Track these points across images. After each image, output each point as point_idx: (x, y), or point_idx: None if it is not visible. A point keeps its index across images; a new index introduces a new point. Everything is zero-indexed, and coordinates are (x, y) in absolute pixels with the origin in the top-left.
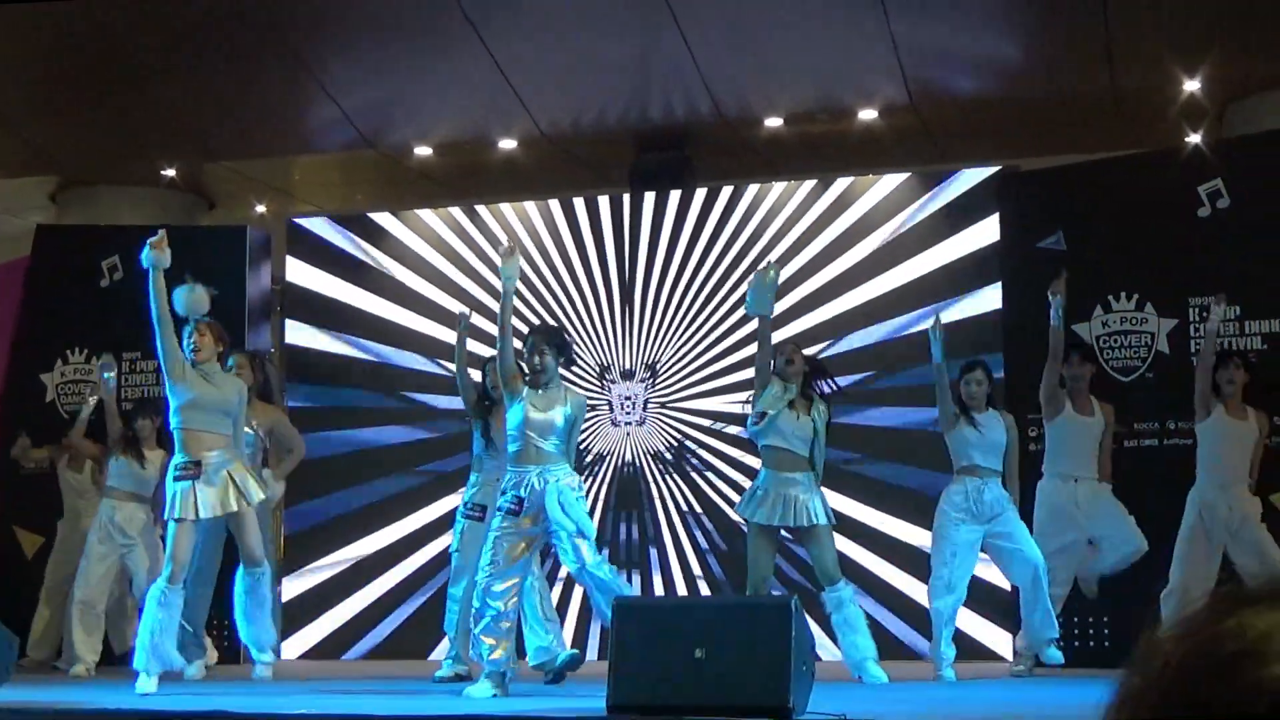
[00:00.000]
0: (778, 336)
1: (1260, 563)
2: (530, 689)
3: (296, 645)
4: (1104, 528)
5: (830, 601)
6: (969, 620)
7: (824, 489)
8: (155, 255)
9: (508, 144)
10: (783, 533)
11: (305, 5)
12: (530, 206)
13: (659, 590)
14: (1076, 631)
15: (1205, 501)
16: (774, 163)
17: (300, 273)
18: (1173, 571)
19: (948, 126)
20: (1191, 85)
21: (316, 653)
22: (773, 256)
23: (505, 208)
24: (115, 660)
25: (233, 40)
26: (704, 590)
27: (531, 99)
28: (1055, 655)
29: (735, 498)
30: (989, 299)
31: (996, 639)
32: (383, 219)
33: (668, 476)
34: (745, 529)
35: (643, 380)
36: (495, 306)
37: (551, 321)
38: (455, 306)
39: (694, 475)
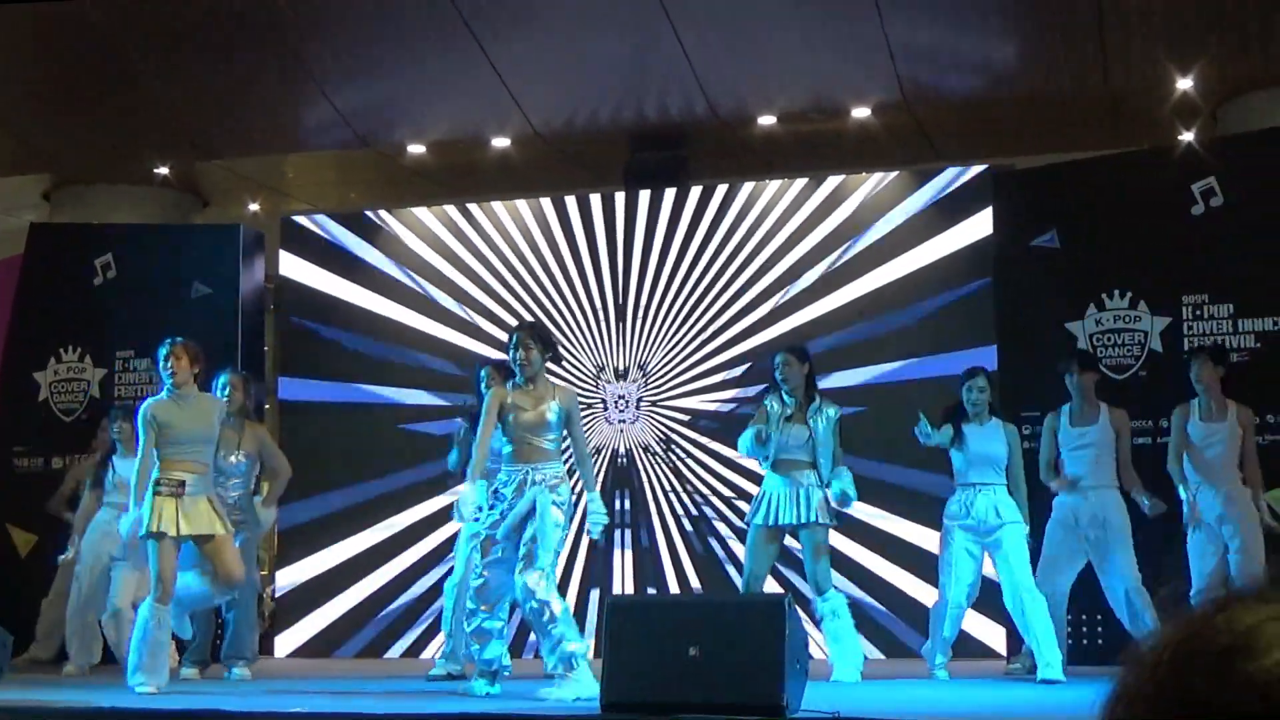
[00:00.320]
0: (774, 333)
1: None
2: (527, 687)
3: (288, 641)
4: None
5: (822, 611)
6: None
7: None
8: None
9: (502, 142)
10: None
11: (300, 4)
12: (523, 205)
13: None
14: (1070, 630)
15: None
16: (768, 161)
17: (295, 268)
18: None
19: (942, 125)
20: (1185, 84)
21: (306, 650)
22: (765, 254)
23: (498, 206)
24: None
25: (227, 39)
26: (684, 556)
27: (526, 98)
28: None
29: (714, 483)
30: (979, 291)
31: (993, 635)
32: (377, 216)
33: (656, 465)
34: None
35: (635, 380)
36: (489, 303)
37: (546, 319)
38: (450, 304)
39: (679, 464)
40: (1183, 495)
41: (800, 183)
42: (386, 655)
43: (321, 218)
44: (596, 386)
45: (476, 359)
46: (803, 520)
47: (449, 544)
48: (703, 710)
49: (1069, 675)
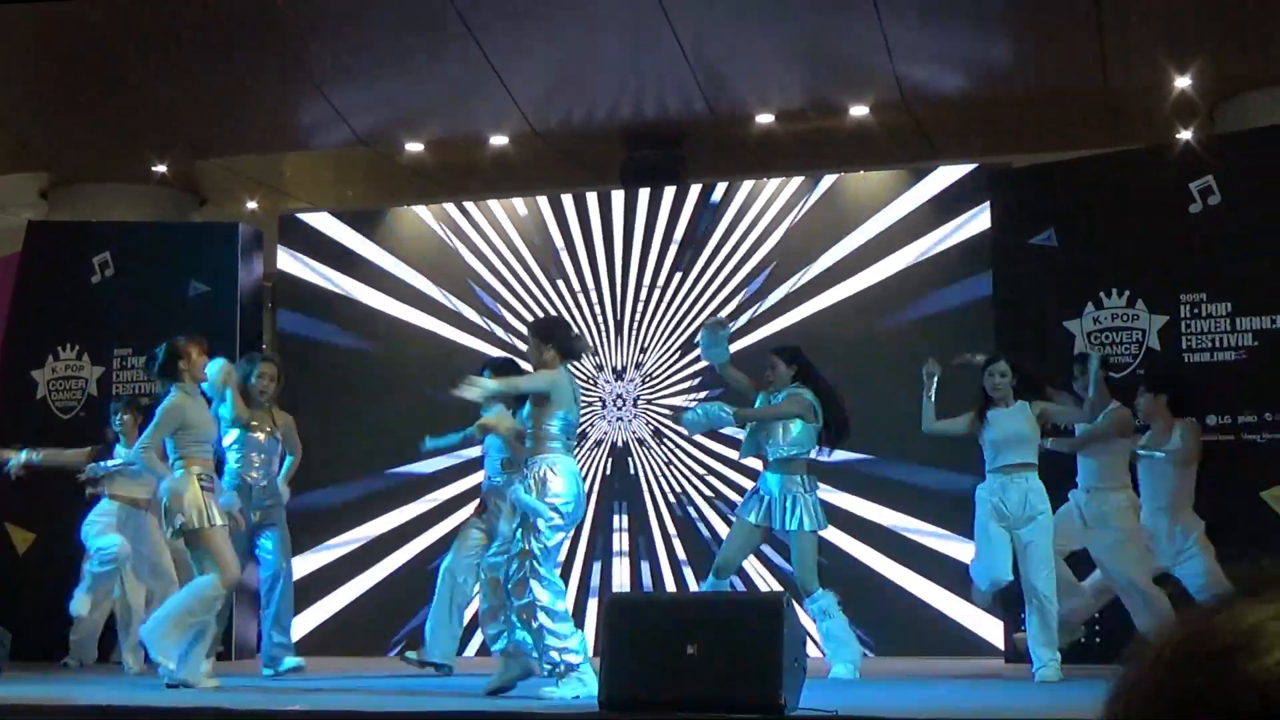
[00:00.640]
0: (774, 329)
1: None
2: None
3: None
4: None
5: (813, 612)
6: (967, 613)
7: (829, 486)
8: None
9: (500, 141)
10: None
11: (298, 4)
12: (520, 203)
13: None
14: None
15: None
16: (766, 160)
17: (293, 265)
18: None
19: (939, 124)
20: (1183, 82)
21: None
22: (762, 253)
23: (495, 204)
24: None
25: (225, 38)
26: (674, 534)
27: (523, 96)
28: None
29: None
30: (978, 289)
31: (993, 633)
32: (376, 214)
33: (649, 456)
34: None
35: (632, 380)
36: (489, 302)
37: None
38: (450, 301)
39: (670, 455)
40: None
41: (797, 181)
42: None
43: (320, 215)
44: (595, 386)
45: (477, 357)
46: (789, 528)
47: (448, 539)
48: (701, 708)
49: (1066, 674)
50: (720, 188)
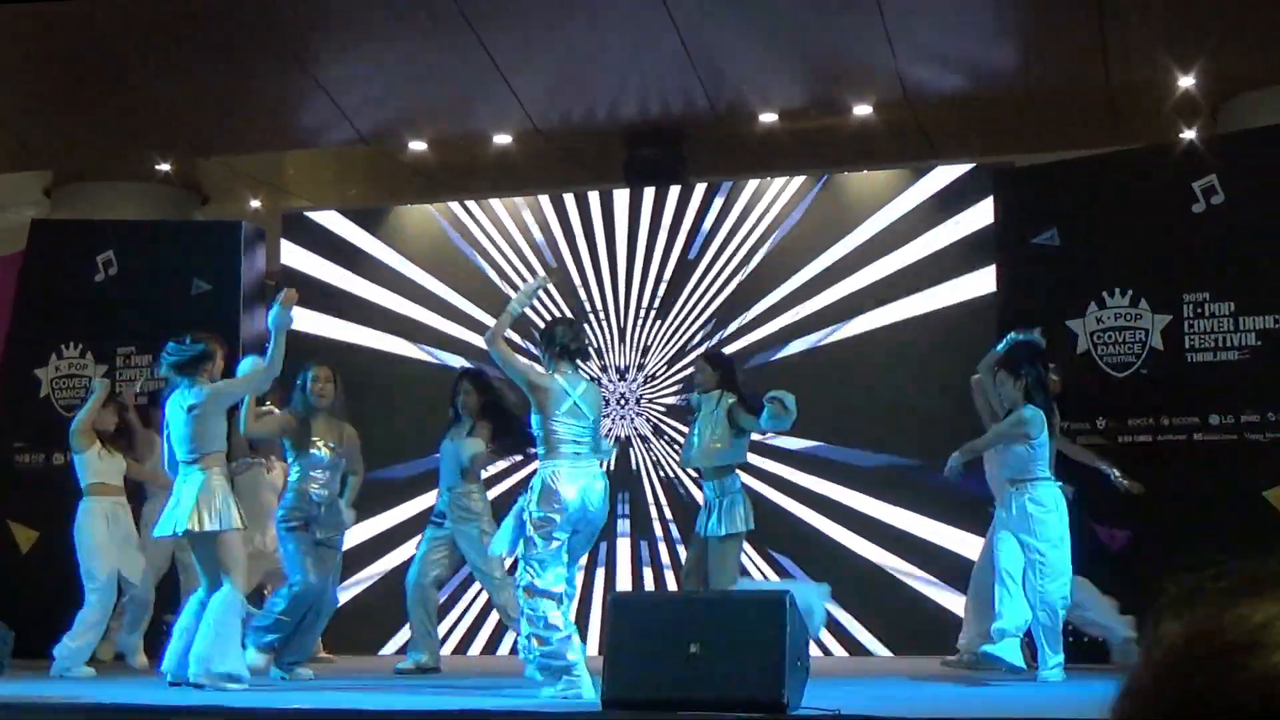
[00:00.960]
0: (775, 328)
1: None
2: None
3: None
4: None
5: None
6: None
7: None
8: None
9: (502, 139)
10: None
11: (300, 2)
12: (521, 201)
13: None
14: (1071, 628)
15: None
16: (768, 159)
17: (296, 261)
18: None
19: (942, 123)
20: (1186, 81)
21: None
22: (764, 251)
23: (496, 203)
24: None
25: (227, 36)
26: (677, 538)
27: (526, 94)
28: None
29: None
30: (980, 287)
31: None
32: (377, 212)
33: (648, 449)
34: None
35: (634, 380)
36: (490, 301)
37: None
38: (455, 299)
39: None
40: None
41: (799, 180)
42: (381, 652)
43: (322, 213)
44: (599, 386)
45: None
46: (704, 534)
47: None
48: (704, 707)
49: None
50: (722, 186)
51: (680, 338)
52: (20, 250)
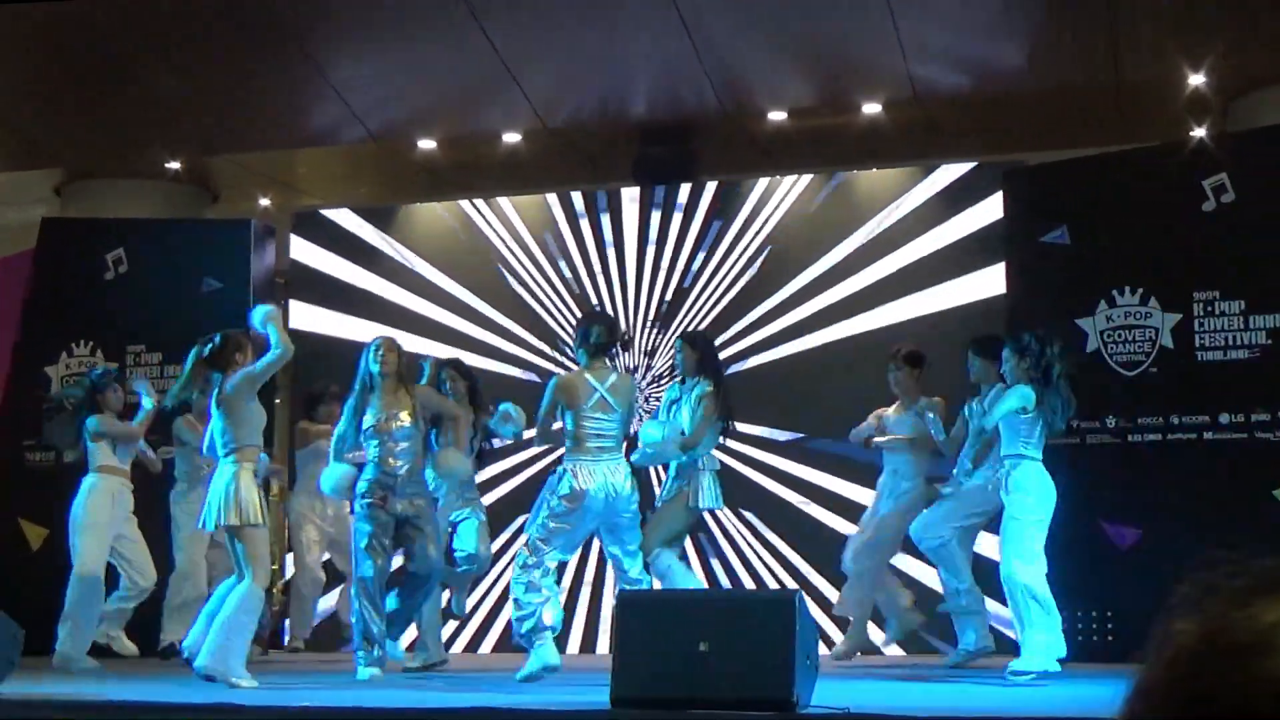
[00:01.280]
0: (783, 324)
1: None
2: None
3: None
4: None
5: (656, 570)
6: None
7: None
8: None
9: (511, 137)
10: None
11: (307, 1)
12: (531, 199)
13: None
14: (1081, 627)
15: None
16: (777, 157)
17: (307, 258)
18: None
19: (952, 121)
20: (1196, 79)
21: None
22: (773, 249)
23: (505, 201)
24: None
25: (237, 35)
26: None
27: (535, 93)
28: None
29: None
30: (989, 285)
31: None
32: (388, 210)
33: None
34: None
35: (641, 379)
36: (504, 298)
37: (556, 316)
38: (465, 297)
39: None
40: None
41: (809, 178)
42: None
43: (332, 211)
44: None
45: (490, 350)
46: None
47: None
48: (713, 705)
49: (1079, 671)
50: (732, 184)
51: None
52: (30, 248)
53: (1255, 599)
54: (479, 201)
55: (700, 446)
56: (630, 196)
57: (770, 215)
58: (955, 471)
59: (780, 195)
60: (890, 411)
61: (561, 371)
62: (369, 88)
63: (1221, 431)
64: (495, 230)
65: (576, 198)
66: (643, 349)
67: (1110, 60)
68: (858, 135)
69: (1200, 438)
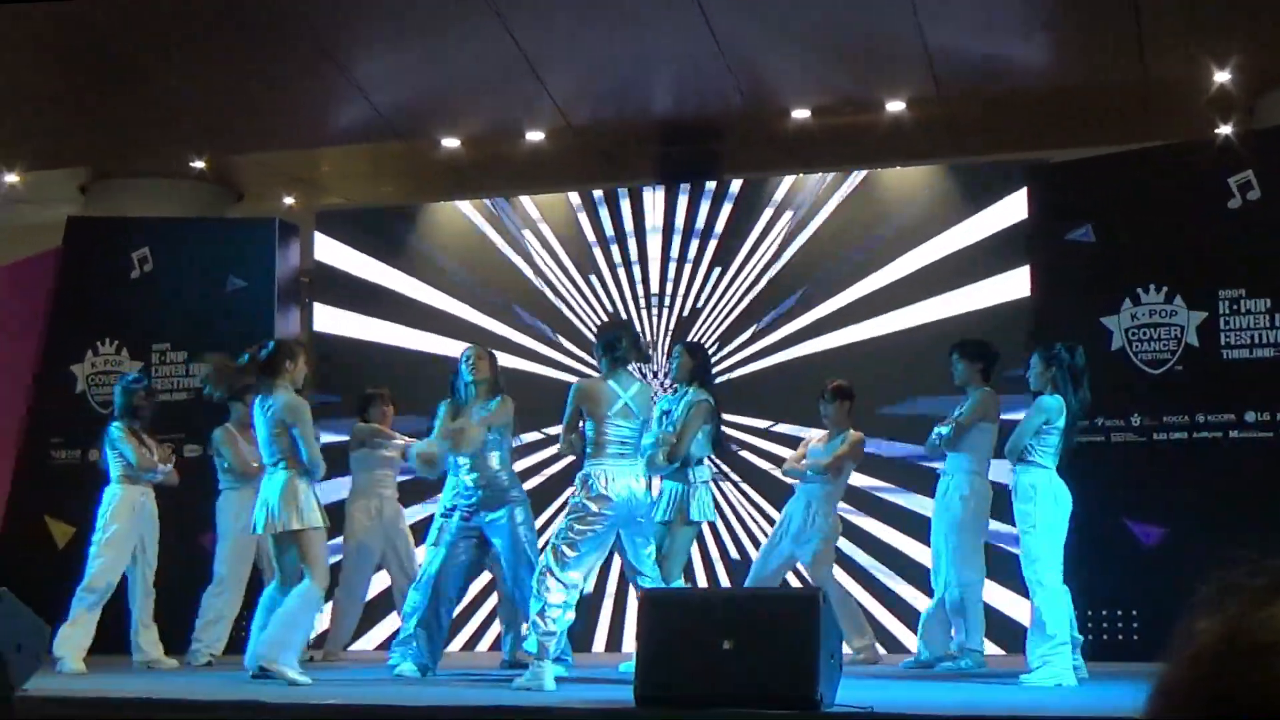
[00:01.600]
0: (807, 321)
1: None
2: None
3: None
4: None
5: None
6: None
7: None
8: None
9: (535, 136)
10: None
11: None
12: (554, 198)
13: None
14: (1106, 625)
15: None
16: (801, 155)
17: (331, 257)
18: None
19: (976, 119)
20: (1222, 76)
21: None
22: (796, 247)
23: (529, 200)
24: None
25: (260, 33)
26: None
27: (559, 91)
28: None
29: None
30: (1014, 282)
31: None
32: (411, 209)
33: None
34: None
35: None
36: (526, 298)
37: (580, 315)
38: (489, 295)
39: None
40: None
41: (832, 176)
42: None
43: (355, 209)
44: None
45: (514, 349)
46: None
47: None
48: (737, 703)
49: (1101, 671)
50: (755, 183)
51: (713, 334)
52: (56, 247)
53: (1277, 598)
54: (503, 200)
55: (691, 455)
56: (653, 195)
57: (794, 213)
58: (932, 437)
59: (803, 193)
60: (816, 440)
61: (585, 370)
62: (392, 86)
63: (1247, 430)
64: (520, 229)
65: (599, 196)
66: (663, 350)
67: (1135, 57)
68: (881, 133)
69: (1226, 436)
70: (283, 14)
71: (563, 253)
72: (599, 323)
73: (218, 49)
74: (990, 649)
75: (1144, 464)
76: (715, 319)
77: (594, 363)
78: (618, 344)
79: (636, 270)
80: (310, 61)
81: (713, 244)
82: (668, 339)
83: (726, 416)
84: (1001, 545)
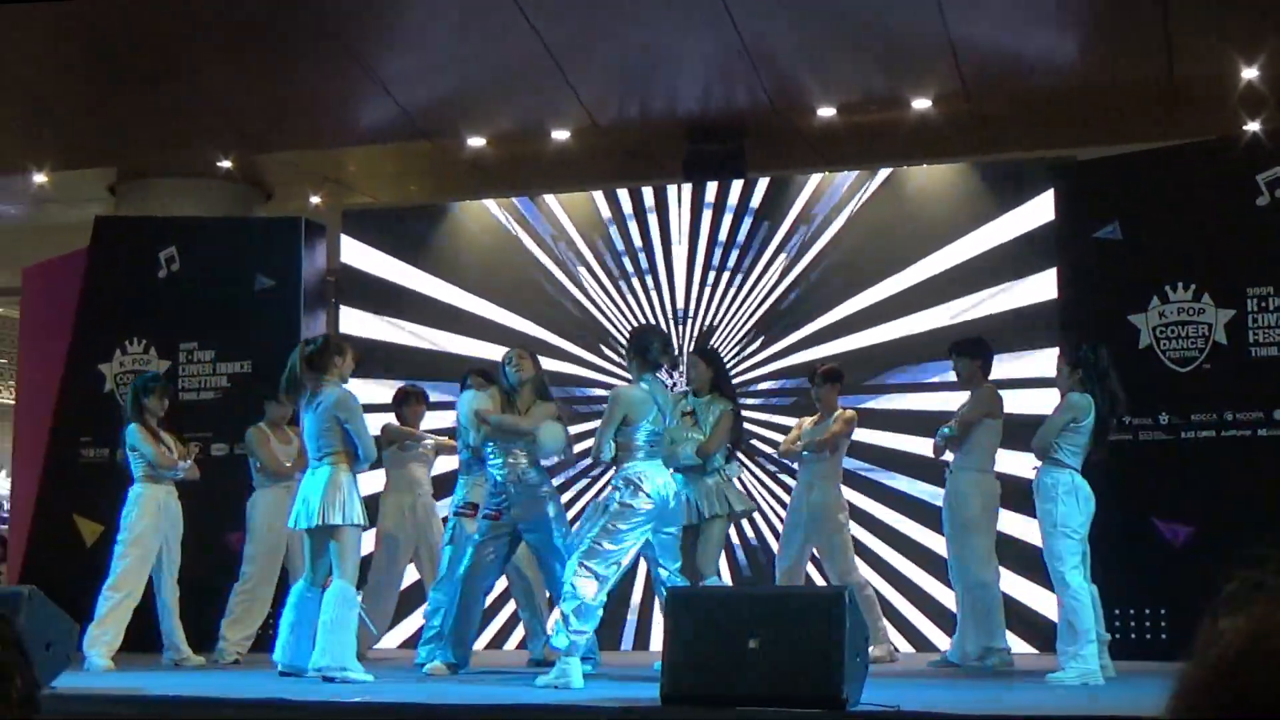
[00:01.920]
0: (833, 319)
1: None
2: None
3: None
4: None
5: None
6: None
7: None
8: None
9: (561, 134)
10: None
11: None
12: (580, 197)
13: None
14: (1134, 625)
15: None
16: (827, 153)
17: (357, 257)
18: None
19: (1002, 116)
20: (1250, 73)
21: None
22: (821, 245)
23: (554, 199)
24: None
25: (287, 34)
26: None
27: (585, 90)
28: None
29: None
30: (1041, 283)
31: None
32: (437, 207)
33: None
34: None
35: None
36: (552, 296)
37: (606, 313)
38: (516, 294)
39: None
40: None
41: (858, 174)
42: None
43: (382, 208)
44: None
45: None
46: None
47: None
48: (762, 702)
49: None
50: (782, 181)
51: (740, 332)
52: (85, 247)
53: None
54: (529, 199)
55: (711, 459)
56: (679, 193)
57: (821, 211)
58: (937, 438)
59: (829, 191)
60: (809, 423)
61: (615, 371)
62: (419, 86)
63: (1276, 428)
64: (546, 227)
65: (624, 195)
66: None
67: (1163, 54)
68: (908, 131)
69: (1254, 434)
70: (310, 14)
71: (588, 251)
72: (630, 326)
73: (246, 50)
74: (1023, 647)
75: (1172, 462)
76: (741, 319)
77: (616, 359)
78: (650, 348)
79: (661, 269)
80: (337, 61)
81: (739, 242)
82: (691, 344)
83: (750, 415)
84: (1023, 539)
